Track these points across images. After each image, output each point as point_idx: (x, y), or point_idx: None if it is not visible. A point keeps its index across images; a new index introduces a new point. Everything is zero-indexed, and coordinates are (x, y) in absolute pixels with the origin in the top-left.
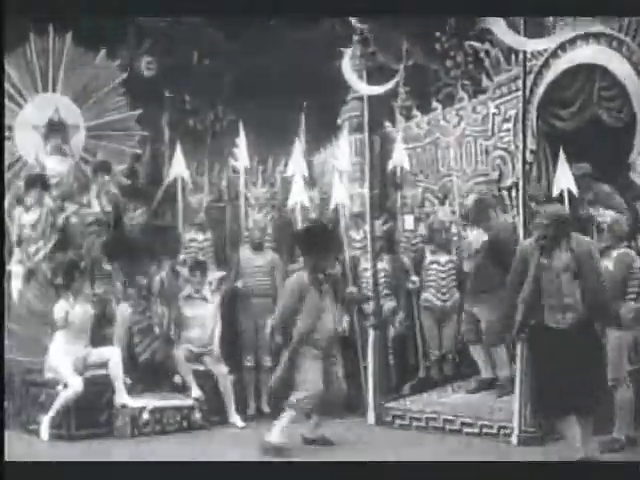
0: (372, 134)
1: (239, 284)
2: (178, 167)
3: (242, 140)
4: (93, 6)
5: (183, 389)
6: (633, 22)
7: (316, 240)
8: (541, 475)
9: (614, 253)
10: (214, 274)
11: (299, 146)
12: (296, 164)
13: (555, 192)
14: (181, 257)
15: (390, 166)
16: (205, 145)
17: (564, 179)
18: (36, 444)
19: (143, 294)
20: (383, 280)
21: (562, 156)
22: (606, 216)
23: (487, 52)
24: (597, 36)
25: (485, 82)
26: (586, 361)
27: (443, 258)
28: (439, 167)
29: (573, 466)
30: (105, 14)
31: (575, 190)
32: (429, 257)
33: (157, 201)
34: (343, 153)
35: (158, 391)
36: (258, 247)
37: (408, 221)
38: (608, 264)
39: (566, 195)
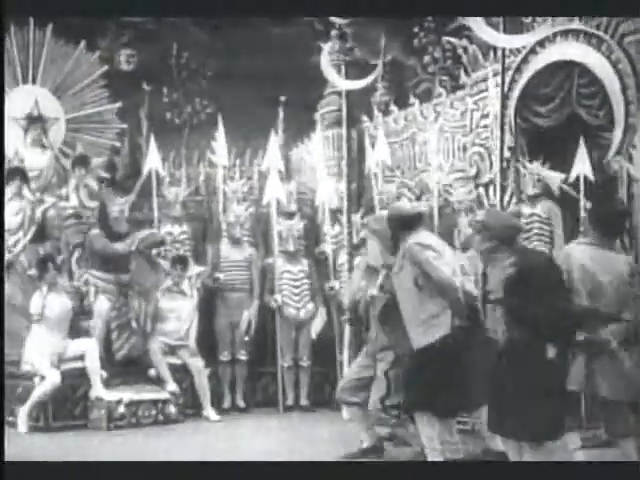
0: (349, 129)
1: (221, 276)
2: (152, 160)
3: (221, 134)
4: (76, 5)
5: (158, 382)
6: (613, 20)
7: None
8: (540, 475)
9: None
10: (194, 269)
11: (275, 140)
12: (271, 158)
13: (572, 177)
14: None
15: (372, 161)
16: (183, 138)
17: (581, 164)
18: (13, 436)
19: (121, 288)
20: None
21: (582, 142)
22: None
23: (465, 48)
24: (576, 33)
25: (463, 78)
26: None
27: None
28: (416, 163)
29: (573, 466)
30: (87, 14)
31: (592, 176)
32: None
33: (135, 194)
34: (319, 148)
35: (134, 384)
36: (236, 242)
37: None
38: None
39: (582, 181)
